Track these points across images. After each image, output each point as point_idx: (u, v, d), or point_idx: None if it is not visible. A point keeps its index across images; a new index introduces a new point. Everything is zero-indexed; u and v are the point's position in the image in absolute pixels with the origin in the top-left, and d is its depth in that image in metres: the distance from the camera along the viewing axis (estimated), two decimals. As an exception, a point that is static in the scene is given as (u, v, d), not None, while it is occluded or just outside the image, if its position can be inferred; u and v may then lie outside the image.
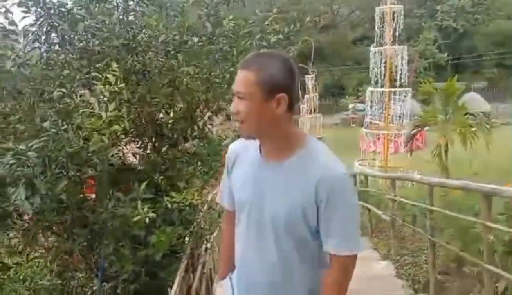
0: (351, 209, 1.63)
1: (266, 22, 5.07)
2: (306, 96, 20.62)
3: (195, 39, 4.63)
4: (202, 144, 5.24)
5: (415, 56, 48.85)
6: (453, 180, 4.50)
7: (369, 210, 7.33)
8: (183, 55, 4.63)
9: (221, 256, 2.12)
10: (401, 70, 9.48)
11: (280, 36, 4.93)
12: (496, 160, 10.27)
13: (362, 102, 23.52)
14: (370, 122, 10.34)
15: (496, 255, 3.83)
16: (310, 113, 20.12)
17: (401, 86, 9.56)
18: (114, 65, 3.95)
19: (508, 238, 3.73)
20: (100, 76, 3.89)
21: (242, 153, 1.80)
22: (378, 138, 10.24)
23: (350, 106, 43.76)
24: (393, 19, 9.73)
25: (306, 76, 20.35)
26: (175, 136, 5.38)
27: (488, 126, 7.19)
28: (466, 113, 7.43)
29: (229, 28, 4.79)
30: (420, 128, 7.55)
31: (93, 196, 4.78)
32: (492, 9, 51.11)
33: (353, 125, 35.75)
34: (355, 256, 1.66)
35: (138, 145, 5.44)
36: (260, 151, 1.73)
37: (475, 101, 42.02)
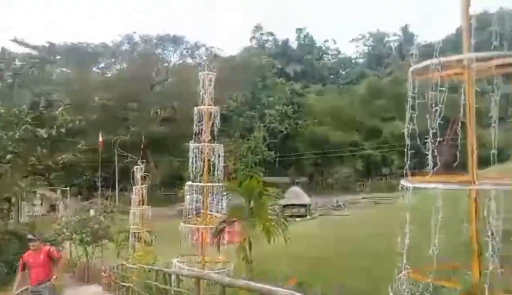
0: None
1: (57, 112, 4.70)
2: (134, 187, 19.90)
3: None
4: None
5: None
6: (240, 280, 4.54)
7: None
8: None
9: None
10: (217, 166, 9.94)
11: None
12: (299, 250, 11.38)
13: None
14: (188, 216, 10.34)
15: None
16: (139, 205, 19.33)
17: (218, 181, 9.95)
18: None
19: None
20: None
21: None
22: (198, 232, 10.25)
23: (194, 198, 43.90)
24: (210, 118, 10.38)
25: (135, 167, 19.83)
26: None
27: (284, 221, 7.79)
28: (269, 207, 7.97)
29: None
30: (226, 224, 7.79)
31: None
32: (309, 116, 60.08)
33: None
34: None
35: None
36: None
37: (297, 194, 47.00)
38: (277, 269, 9.18)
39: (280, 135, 59.02)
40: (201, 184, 9.93)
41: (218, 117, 10.45)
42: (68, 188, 52.25)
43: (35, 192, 56.56)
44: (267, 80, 61.36)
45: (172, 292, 7.79)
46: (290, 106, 59.52)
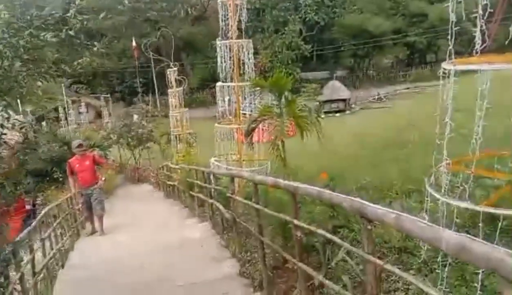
0: None
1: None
2: (169, 91, 19.94)
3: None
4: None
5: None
6: (268, 177, 4.46)
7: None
8: None
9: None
10: (247, 64, 9.51)
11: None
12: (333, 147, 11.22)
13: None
14: (222, 117, 10.26)
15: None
16: (176, 108, 19.54)
17: (249, 79, 9.58)
18: None
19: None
20: None
21: None
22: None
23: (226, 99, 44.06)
24: (236, 12, 9.69)
25: (168, 70, 19.63)
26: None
27: (318, 117, 7.50)
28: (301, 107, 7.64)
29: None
30: (257, 123, 7.62)
31: None
32: (348, 3, 55.94)
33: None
34: None
35: None
36: None
37: (336, 88, 45.90)
38: (310, 166, 9.15)
39: (316, 27, 55.89)
40: (231, 83, 9.64)
41: (245, 9, 9.74)
42: (108, 96, 53.61)
43: (79, 100, 58.84)
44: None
45: (212, 190, 8.02)
46: (327, -7, 55.27)
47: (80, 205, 10.83)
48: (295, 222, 3.64)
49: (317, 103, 46.01)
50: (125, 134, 31.64)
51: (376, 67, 56.97)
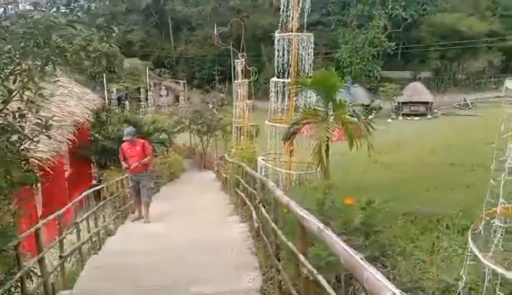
0: None
1: None
2: (235, 81, 19.74)
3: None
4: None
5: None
6: (284, 197, 3.80)
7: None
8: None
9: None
10: (306, 59, 8.83)
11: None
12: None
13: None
14: (275, 114, 9.69)
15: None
16: (241, 99, 19.32)
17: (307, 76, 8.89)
18: None
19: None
20: None
21: None
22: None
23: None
24: (299, 2, 9.01)
25: (236, 60, 19.40)
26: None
27: (369, 126, 6.57)
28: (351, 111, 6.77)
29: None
30: (298, 126, 6.93)
31: None
32: (441, 0, 51.91)
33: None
34: None
35: None
36: None
37: (417, 90, 42.98)
38: (360, 178, 8.29)
39: (404, 24, 52.60)
40: (286, 80, 9.05)
41: (309, 1, 9.02)
42: (185, 81, 55.15)
43: (160, 83, 61.45)
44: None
45: (250, 192, 7.59)
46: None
47: (129, 190, 10.98)
48: (301, 258, 3.04)
49: (396, 104, 43.55)
50: (196, 121, 32.33)
51: (465, 71, 52.38)
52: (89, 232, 8.07)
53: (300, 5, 8.96)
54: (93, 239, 8.13)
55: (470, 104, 42.54)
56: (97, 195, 10.46)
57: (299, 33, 9.05)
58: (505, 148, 2.69)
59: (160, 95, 56.66)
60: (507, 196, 2.67)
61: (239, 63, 18.74)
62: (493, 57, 47.79)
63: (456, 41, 47.34)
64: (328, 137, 6.25)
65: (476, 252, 2.53)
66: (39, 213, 8.95)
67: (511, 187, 2.64)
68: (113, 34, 3.60)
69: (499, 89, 45.87)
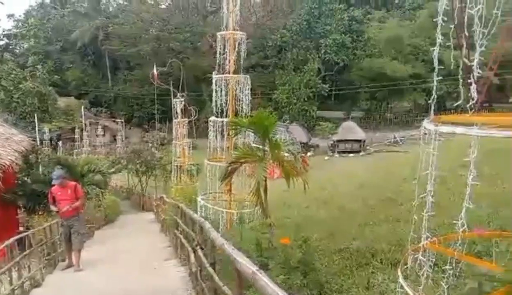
0: None
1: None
2: (174, 121, 19.65)
3: None
4: None
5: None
6: (219, 238, 3.77)
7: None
8: None
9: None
10: (243, 100, 9.04)
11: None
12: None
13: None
14: (213, 153, 9.71)
15: None
16: (181, 139, 19.16)
17: (245, 116, 9.06)
18: None
19: None
20: None
21: None
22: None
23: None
24: (235, 46, 9.31)
25: (175, 100, 19.41)
26: None
27: (303, 165, 6.81)
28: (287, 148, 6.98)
29: None
30: (236, 165, 7.00)
31: None
32: (368, 46, 55.96)
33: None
34: None
35: None
36: None
37: (351, 129, 45.22)
38: (297, 216, 8.44)
39: (336, 68, 55.95)
40: (225, 119, 9.15)
41: (244, 44, 9.35)
42: (122, 120, 53.88)
43: (97, 122, 59.36)
44: (324, 7, 57.16)
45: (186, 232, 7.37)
46: (348, 35, 55.50)
47: (59, 236, 10.29)
48: None
49: (332, 141, 45.43)
50: (134, 160, 31.47)
51: (394, 110, 56.26)
52: (11, 284, 7.40)
53: (236, 48, 9.26)
54: (16, 293, 7.44)
55: (399, 141, 45.29)
56: (23, 242, 9.69)
57: (236, 75, 9.29)
58: (428, 184, 2.88)
59: (97, 135, 54.75)
60: (431, 231, 2.83)
61: (178, 103, 18.74)
62: (418, 97, 51.78)
63: (384, 83, 50.91)
64: (266, 177, 6.34)
65: (406, 287, 2.62)
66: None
67: (434, 221, 2.80)
68: (38, 74, 3.46)
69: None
